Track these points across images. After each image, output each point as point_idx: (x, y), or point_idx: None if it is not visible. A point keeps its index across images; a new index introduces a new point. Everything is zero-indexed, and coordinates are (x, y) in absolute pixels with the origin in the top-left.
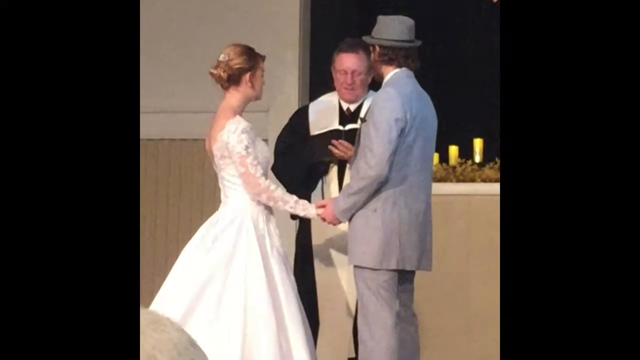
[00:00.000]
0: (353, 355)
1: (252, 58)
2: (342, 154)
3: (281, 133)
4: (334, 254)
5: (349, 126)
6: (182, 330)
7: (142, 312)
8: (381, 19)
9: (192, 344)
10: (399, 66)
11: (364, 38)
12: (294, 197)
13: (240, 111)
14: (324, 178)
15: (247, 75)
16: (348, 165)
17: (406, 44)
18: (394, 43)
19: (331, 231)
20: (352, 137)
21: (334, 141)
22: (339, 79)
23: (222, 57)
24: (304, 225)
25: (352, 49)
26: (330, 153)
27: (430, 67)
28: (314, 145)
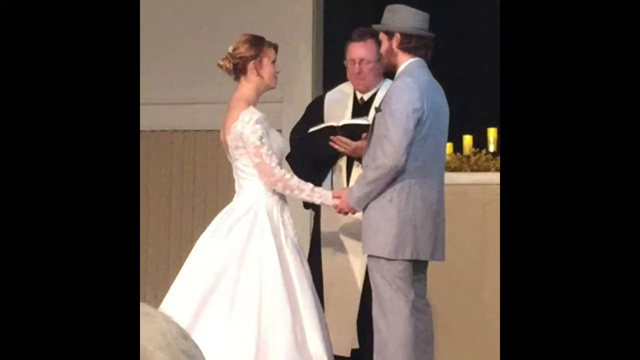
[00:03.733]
0: (357, 346)
1: (255, 46)
2: (342, 149)
3: (297, 123)
4: (340, 243)
5: (342, 122)
6: (173, 322)
7: None
8: (400, 8)
9: (184, 335)
10: (416, 55)
11: (383, 26)
12: (310, 185)
13: (254, 102)
14: (333, 168)
15: (252, 64)
16: (356, 163)
17: (429, 34)
18: (419, 31)
19: (340, 220)
20: (346, 132)
21: (332, 137)
22: (349, 68)
23: (229, 49)
24: (316, 214)
25: (360, 38)
26: (331, 148)
27: (444, 56)
28: (312, 142)
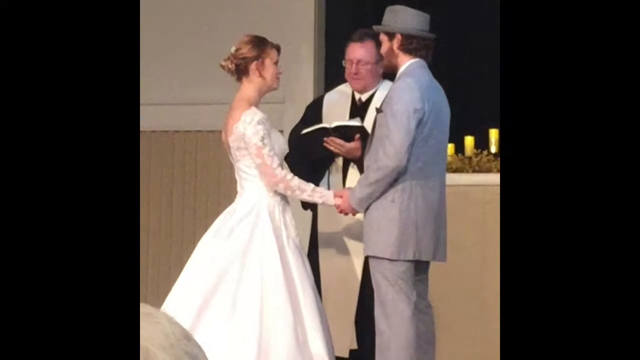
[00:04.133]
0: (355, 347)
1: (257, 47)
2: (336, 150)
3: (296, 124)
4: (338, 244)
5: (335, 123)
6: (177, 324)
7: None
8: (401, 9)
9: (187, 337)
10: (417, 56)
11: (384, 27)
12: (311, 185)
13: (256, 102)
14: (330, 168)
15: (254, 65)
16: (351, 164)
17: (429, 34)
18: (420, 32)
19: (337, 221)
20: (339, 134)
21: (326, 139)
22: (347, 68)
23: (232, 49)
24: (313, 215)
25: (359, 39)
26: (326, 149)
27: (445, 57)
28: (307, 143)
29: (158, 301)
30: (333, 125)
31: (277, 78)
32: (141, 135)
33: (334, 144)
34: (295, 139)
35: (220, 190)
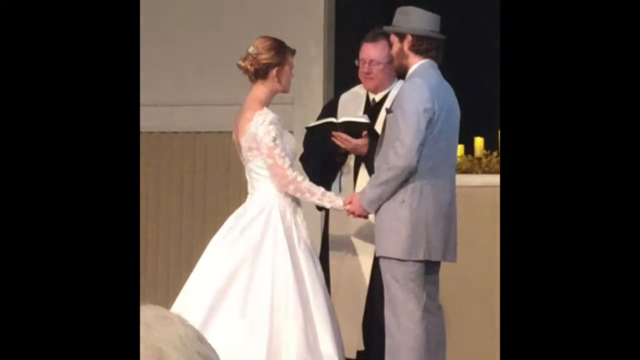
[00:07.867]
0: (362, 348)
1: (280, 53)
2: (343, 145)
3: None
4: (348, 245)
5: (342, 119)
6: (190, 326)
7: (150, 307)
8: (412, 10)
9: (200, 338)
10: (427, 57)
11: (395, 27)
12: (321, 189)
13: (268, 103)
14: (342, 169)
15: (275, 71)
16: (362, 164)
17: (440, 35)
18: (431, 33)
19: (348, 222)
20: (345, 129)
21: (333, 133)
22: (359, 68)
23: (251, 50)
24: (325, 215)
25: (373, 38)
26: (333, 143)
27: (455, 58)
28: (315, 137)
29: (168, 302)
30: (340, 120)
31: (289, 82)
32: (151, 136)
33: (341, 138)
34: (306, 135)
35: (229, 191)
